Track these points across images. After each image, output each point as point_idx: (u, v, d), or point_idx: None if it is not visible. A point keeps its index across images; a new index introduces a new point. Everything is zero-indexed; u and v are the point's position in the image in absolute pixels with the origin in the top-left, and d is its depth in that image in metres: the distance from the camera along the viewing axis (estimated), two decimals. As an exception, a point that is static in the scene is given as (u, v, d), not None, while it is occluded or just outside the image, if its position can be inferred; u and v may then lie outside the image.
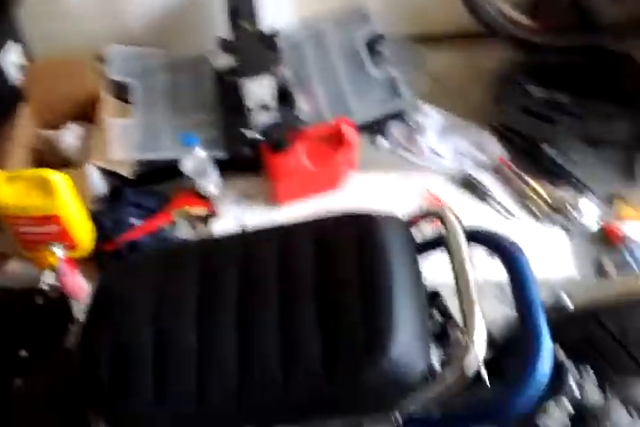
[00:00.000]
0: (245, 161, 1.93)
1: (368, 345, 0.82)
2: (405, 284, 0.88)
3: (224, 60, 2.15)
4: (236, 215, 1.85)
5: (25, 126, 1.96)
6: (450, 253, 0.90)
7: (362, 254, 0.91)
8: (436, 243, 0.99)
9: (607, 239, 1.69)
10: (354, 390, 0.83)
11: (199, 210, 1.83)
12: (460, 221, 0.95)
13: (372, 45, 2.18)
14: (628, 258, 1.60)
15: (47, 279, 1.31)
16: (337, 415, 0.90)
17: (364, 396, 0.84)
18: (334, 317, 0.87)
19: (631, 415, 1.04)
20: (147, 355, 0.87)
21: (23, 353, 1.15)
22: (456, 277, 0.87)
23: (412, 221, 1.02)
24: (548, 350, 0.83)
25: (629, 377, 1.01)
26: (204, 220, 1.84)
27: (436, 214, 0.98)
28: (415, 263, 0.94)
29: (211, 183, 1.84)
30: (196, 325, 0.90)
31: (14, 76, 2.08)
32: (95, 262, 1.72)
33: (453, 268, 0.88)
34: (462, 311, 0.84)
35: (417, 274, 0.92)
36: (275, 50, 2.01)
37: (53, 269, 1.36)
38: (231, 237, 1.06)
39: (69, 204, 1.67)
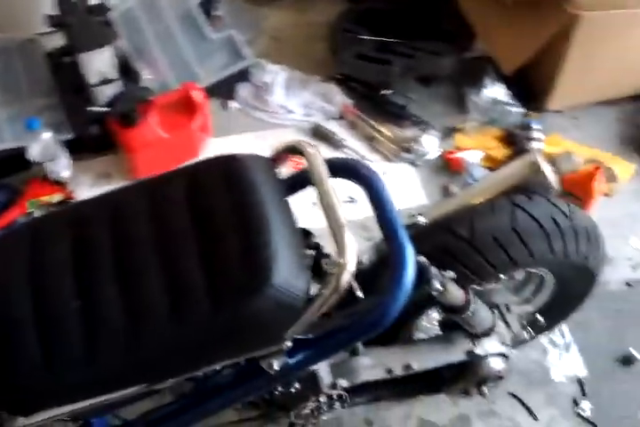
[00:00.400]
0: (95, 140, 1.88)
1: (251, 273, 0.85)
2: (278, 215, 0.91)
3: (56, 41, 2.06)
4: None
5: None
6: (314, 183, 0.93)
7: (232, 191, 0.93)
8: (301, 182, 1.02)
9: (450, 168, 1.85)
10: (242, 320, 0.85)
11: (55, 197, 1.77)
12: (319, 153, 0.97)
13: (207, 8, 2.17)
14: (470, 180, 1.77)
15: None
16: (229, 352, 0.92)
17: (253, 325, 0.86)
18: (215, 252, 0.88)
19: (492, 312, 1.18)
20: (28, 325, 0.86)
21: None
22: (323, 205, 0.90)
23: (275, 160, 1.03)
24: (411, 257, 0.91)
25: (487, 279, 1.12)
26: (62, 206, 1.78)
27: (294, 149, 0.99)
28: (284, 199, 0.97)
29: (61, 167, 1.78)
30: (76, 287, 0.89)
31: None
32: None
33: (320, 197, 0.91)
34: (333, 235, 0.87)
35: (287, 209, 0.95)
36: (107, 21, 1.94)
37: None
38: (95, 200, 1.02)
39: None
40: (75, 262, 0.91)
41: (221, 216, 0.91)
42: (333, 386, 1.14)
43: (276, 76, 2.03)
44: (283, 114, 1.99)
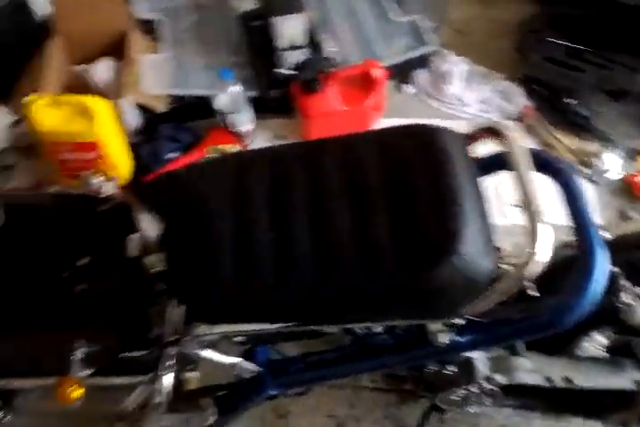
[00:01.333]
0: (277, 101, 1.96)
1: (441, 240, 0.86)
2: (473, 191, 0.91)
3: (246, 4, 2.16)
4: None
5: (55, 60, 1.95)
6: (513, 167, 0.91)
7: (427, 158, 0.93)
8: (492, 165, 1.00)
9: (632, 191, 1.76)
10: (424, 284, 0.86)
11: (233, 147, 1.86)
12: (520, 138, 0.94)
13: (395, -8, 2.20)
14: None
15: (107, 188, 1.29)
16: (402, 312, 0.94)
17: (434, 292, 0.87)
18: (406, 213, 0.90)
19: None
20: (227, 243, 0.92)
21: (84, 260, 1.14)
22: (521, 190, 0.87)
23: (470, 138, 1.00)
24: (604, 258, 0.88)
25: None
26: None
27: (494, 131, 0.96)
28: (476, 178, 0.96)
29: (244, 120, 1.87)
30: (271, 221, 0.93)
31: (43, 9, 2.04)
32: (132, 192, 1.75)
33: (517, 182, 0.89)
34: (528, 222, 0.85)
35: (479, 188, 0.94)
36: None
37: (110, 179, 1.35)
38: (294, 145, 1.08)
39: (109, 130, 1.69)
40: (273, 197, 0.96)
41: (414, 180, 0.92)
42: (488, 379, 1.13)
43: (456, 66, 2.02)
44: (457, 106, 1.99)
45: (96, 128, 1.64)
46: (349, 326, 1.03)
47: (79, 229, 1.17)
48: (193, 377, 1.11)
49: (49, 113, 1.63)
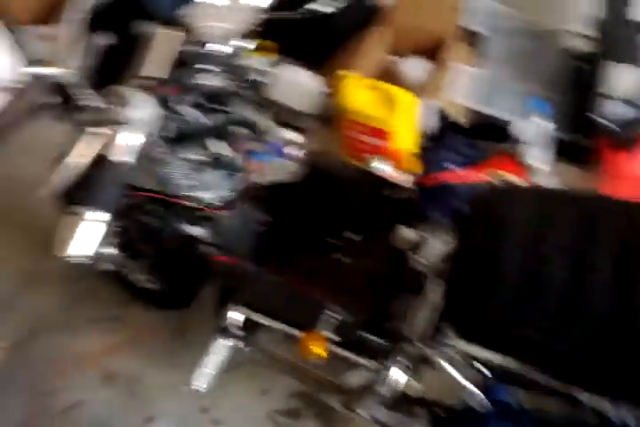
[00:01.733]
0: (578, 149, 1.79)
1: None
2: None
3: (578, 41, 2.01)
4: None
5: (374, 47, 1.99)
6: None
7: None
8: None
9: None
10: None
11: (514, 178, 1.72)
12: None
13: None
14: None
15: (401, 179, 1.27)
16: None
17: None
18: None
19: None
20: (515, 271, 0.89)
21: (352, 235, 1.16)
22: None
23: None
24: None
25: None
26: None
27: None
28: None
29: (538, 155, 1.72)
30: (566, 263, 0.89)
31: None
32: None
33: None
34: None
35: None
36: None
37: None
38: (606, 199, 1.01)
39: (407, 124, 1.67)
40: (573, 241, 0.91)
41: None
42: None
43: None
44: None
45: (395, 119, 1.63)
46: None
47: (363, 204, 1.17)
48: (414, 385, 1.10)
49: (358, 92, 1.65)
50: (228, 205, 1.02)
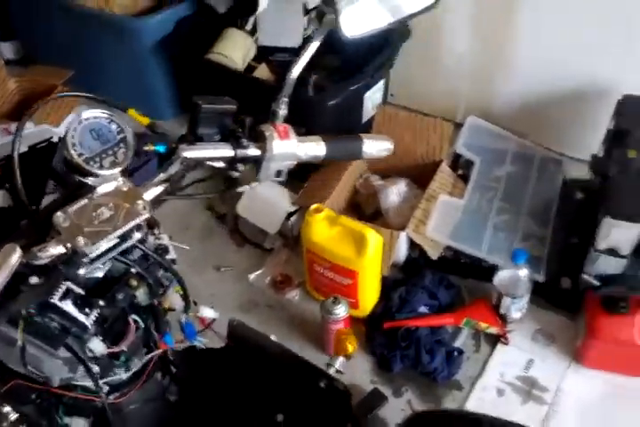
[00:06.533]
0: (560, 294, 1.66)
1: None
2: None
3: (577, 171, 1.90)
4: (527, 352, 1.59)
5: (358, 165, 1.93)
6: None
7: None
8: None
9: None
10: None
11: (492, 329, 1.59)
12: None
13: None
14: None
15: (337, 364, 1.18)
16: None
17: None
18: None
19: None
20: None
21: (280, 417, 1.04)
22: None
23: None
24: None
25: None
26: (491, 340, 1.62)
27: None
28: None
29: (517, 307, 1.59)
30: None
31: (370, 112, 2.06)
32: (366, 328, 1.64)
33: None
34: None
35: None
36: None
37: (347, 356, 1.22)
38: None
39: (372, 265, 1.59)
40: None
41: None
42: None
43: None
44: None
45: (362, 260, 1.54)
46: None
47: (290, 391, 1.04)
48: None
49: (324, 227, 1.57)
50: (124, 387, 0.90)
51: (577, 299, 1.61)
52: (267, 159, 0.85)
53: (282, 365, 1.07)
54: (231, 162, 0.85)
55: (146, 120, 0.84)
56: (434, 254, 1.70)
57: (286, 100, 0.91)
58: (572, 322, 1.63)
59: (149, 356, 0.92)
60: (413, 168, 1.94)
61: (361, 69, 1.99)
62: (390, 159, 1.90)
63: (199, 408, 1.04)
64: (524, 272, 1.56)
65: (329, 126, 1.91)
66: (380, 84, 2.10)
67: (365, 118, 2.08)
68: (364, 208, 1.89)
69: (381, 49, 2.05)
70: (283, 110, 0.91)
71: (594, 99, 1.95)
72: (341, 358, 1.22)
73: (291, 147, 0.85)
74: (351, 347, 1.27)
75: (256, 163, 0.85)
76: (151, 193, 0.81)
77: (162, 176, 0.81)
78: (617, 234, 1.54)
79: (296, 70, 0.93)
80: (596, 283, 1.54)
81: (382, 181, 1.89)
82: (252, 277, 1.81)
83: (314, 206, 1.58)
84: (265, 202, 1.82)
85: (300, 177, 1.88)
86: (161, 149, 0.81)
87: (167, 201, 0.95)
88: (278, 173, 0.87)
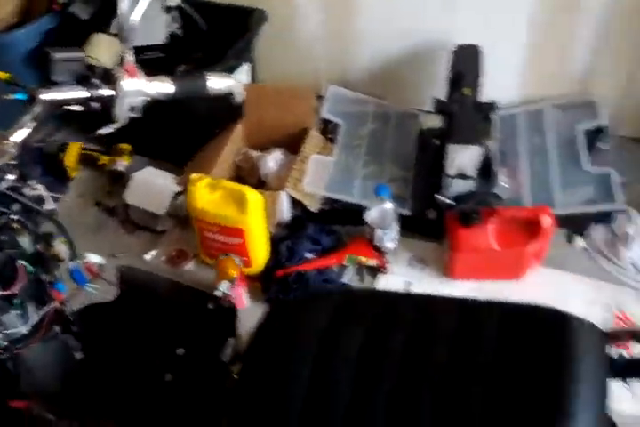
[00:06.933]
0: (428, 224, 1.88)
1: None
2: (591, 396, 0.81)
3: (432, 121, 2.16)
4: (405, 276, 1.80)
5: (234, 142, 2.08)
6: None
7: (550, 356, 0.85)
8: (634, 370, 0.90)
9: None
10: None
11: (371, 261, 1.80)
12: None
13: (593, 138, 2.06)
14: None
15: (223, 288, 1.34)
16: None
17: None
18: (501, 406, 0.81)
19: None
20: (296, 405, 0.86)
21: (180, 351, 1.16)
22: None
23: (612, 338, 0.92)
24: None
25: None
26: (373, 272, 1.81)
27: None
28: (605, 380, 0.85)
29: (388, 238, 1.80)
30: (350, 384, 0.87)
31: (240, 94, 2.22)
32: (261, 283, 1.76)
33: None
34: None
35: (604, 393, 0.83)
36: (488, 122, 1.96)
37: (230, 279, 1.39)
38: (406, 298, 1.03)
39: (257, 223, 1.73)
40: (360, 356, 0.89)
41: (528, 373, 0.83)
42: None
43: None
44: (631, 272, 1.75)
45: (245, 217, 1.68)
46: None
47: (185, 321, 1.18)
48: None
49: (207, 193, 1.71)
50: (25, 340, 0.99)
51: (441, 227, 1.85)
52: (120, 97, 0.97)
53: (174, 296, 1.21)
54: (87, 103, 0.96)
55: (5, 75, 0.97)
56: (313, 207, 1.90)
57: (131, 47, 1.01)
58: (440, 246, 1.86)
59: (46, 308, 1.00)
60: (287, 138, 2.12)
61: (222, 57, 2.16)
62: (264, 132, 2.13)
63: (104, 362, 1.12)
64: (388, 205, 1.78)
65: (203, 112, 2.06)
66: (244, 68, 2.27)
67: (236, 101, 2.23)
68: (247, 180, 2.05)
69: (240, 35, 2.22)
70: (129, 56, 1.00)
71: (433, 54, 2.21)
72: (226, 282, 1.37)
73: (140, 84, 0.98)
74: (233, 272, 1.43)
75: (110, 102, 0.97)
76: (18, 134, 0.91)
77: (26, 118, 0.92)
78: (460, 158, 1.80)
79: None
80: (452, 202, 1.78)
81: (259, 152, 2.07)
82: (147, 257, 1.90)
83: (194, 176, 1.72)
84: (150, 186, 1.95)
85: (181, 163, 2.02)
86: (21, 96, 0.93)
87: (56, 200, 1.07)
88: (132, 109, 0.99)
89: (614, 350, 0.92)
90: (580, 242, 1.87)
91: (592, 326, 0.90)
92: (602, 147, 2.04)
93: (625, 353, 0.95)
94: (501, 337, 0.88)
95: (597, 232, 1.86)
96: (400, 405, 0.84)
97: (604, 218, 1.87)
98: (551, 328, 0.88)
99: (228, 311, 1.21)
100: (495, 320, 0.91)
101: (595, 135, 2.07)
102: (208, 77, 1.09)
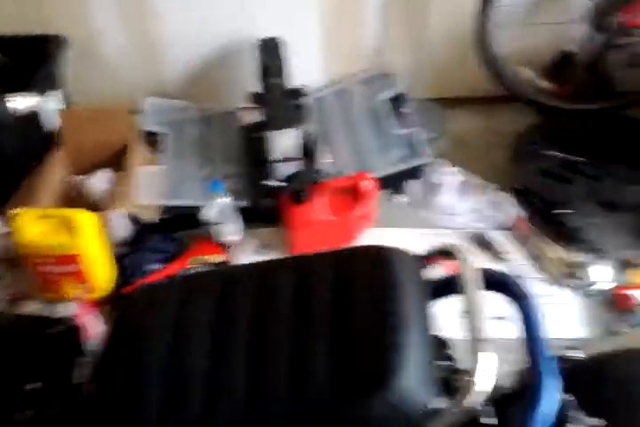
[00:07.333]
0: (266, 212, 1.97)
1: (373, 373, 0.83)
2: (415, 317, 0.89)
3: (251, 116, 2.26)
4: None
5: (56, 172, 2.04)
6: (462, 289, 0.89)
7: (373, 283, 0.94)
8: (450, 288, 0.98)
9: (618, 304, 1.66)
10: (356, 418, 0.83)
11: (215, 257, 1.86)
12: (471, 260, 0.94)
13: (395, 105, 2.26)
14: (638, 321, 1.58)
15: (62, 309, 1.32)
16: None
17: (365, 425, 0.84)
18: (345, 342, 0.87)
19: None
20: (156, 384, 0.89)
21: (30, 386, 1.14)
22: (467, 313, 0.85)
23: (426, 259, 1.02)
24: (551, 389, 0.82)
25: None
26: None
27: (448, 253, 0.98)
28: (425, 301, 0.94)
29: (231, 231, 1.88)
30: (209, 348, 0.92)
31: (52, 122, 2.19)
32: (111, 304, 1.74)
33: (463, 305, 0.88)
34: (471, 349, 0.82)
35: (426, 312, 0.93)
36: (301, 105, 2.09)
37: (72, 300, 1.38)
38: (248, 266, 1.09)
39: (91, 243, 1.69)
40: (214, 324, 0.95)
41: (359, 304, 0.92)
42: None
43: (449, 177, 2.01)
44: (449, 216, 1.95)
45: (78, 241, 1.65)
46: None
47: (28, 352, 1.17)
48: None
49: (33, 226, 1.65)
50: None
51: (278, 211, 1.95)
52: None
53: (13, 330, 1.20)
54: None
55: None
56: (153, 218, 1.93)
57: None
58: (280, 229, 1.96)
59: None
60: (113, 157, 2.10)
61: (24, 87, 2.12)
62: (88, 156, 2.12)
63: None
64: (223, 200, 1.84)
65: (11, 147, 2.00)
66: (53, 95, 2.23)
67: (50, 127, 2.18)
68: (80, 207, 2.03)
69: (41, 63, 2.18)
70: None
71: (241, 50, 2.30)
72: (66, 304, 1.35)
73: None
74: (72, 291, 1.39)
75: None
76: None
77: None
78: (280, 143, 1.94)
79: None
80: (281, 184, 1.90)
81: (82, 176, 2.07)
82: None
83: (18, 210, 1.66)
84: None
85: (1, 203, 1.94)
86: None
87: None
88: None
89: (438, 272, 1.02)
90: (400, 199, 2.04)
91: (406, 253, 1.00)
92: (405, 111, 2.24)
93: (443, 270, 1.03)
94: (337, 278, 0.96)
95: (413, 187, 2.04)
96: (258, 353, 0.90)
97: (417, 174, 2.06)
98: (374, 261, 0.97)
99: (69, 332, 1.21)
100: (330, 264, 0.99)
101: (396, 102, 2.27)
102: (8, 99, 1.07)
